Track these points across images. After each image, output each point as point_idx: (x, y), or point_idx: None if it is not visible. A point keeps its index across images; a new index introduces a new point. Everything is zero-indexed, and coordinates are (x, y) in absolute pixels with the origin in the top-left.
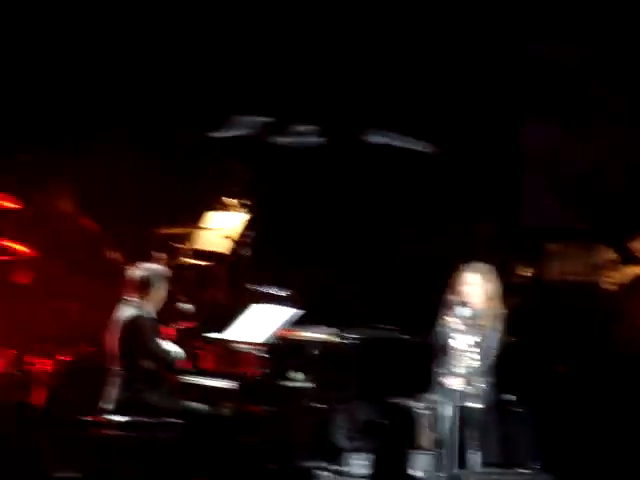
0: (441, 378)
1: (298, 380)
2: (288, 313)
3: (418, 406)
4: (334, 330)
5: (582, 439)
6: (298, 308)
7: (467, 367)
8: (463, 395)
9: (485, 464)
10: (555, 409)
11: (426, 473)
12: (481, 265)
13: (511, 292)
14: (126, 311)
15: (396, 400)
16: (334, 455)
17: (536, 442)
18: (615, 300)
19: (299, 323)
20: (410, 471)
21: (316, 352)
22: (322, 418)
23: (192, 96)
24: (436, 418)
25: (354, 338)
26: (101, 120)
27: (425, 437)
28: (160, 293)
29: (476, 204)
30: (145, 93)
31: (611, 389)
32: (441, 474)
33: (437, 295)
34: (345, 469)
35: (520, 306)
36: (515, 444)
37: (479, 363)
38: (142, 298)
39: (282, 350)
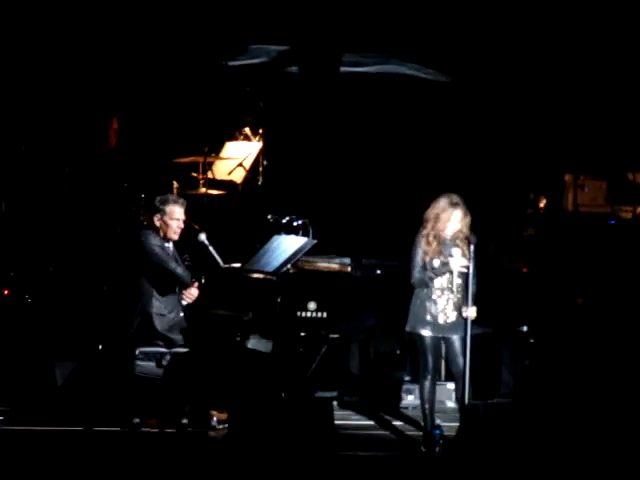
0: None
1: (312, 310)
2: (301, 242)
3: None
4: (347, 260)
5: (595, 371)
6: (311, 237)
7: (452, 299)
8: (449, 325)
9: (500, 395)
10: (571, 341)
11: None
12: (459, 199)
13: (527, 223)
14: (141, 236)
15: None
16: (349, 384)
17: (548, 373)
18: (630, 231)
19: (312, 253)
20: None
21: (330, 282)
22: (337, 348)
23: (207, 25)
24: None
25: (368, 268)
26: (118, 50)
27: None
28: (168, 224)
29: (490, 136)
30: (160, 24)
31: (627, 321)
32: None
33: None
34: (359, 398)
35: (536, 237)
36: (527, 375)
37: (459, 296)
38: (157, 225)
39: (296, 280)
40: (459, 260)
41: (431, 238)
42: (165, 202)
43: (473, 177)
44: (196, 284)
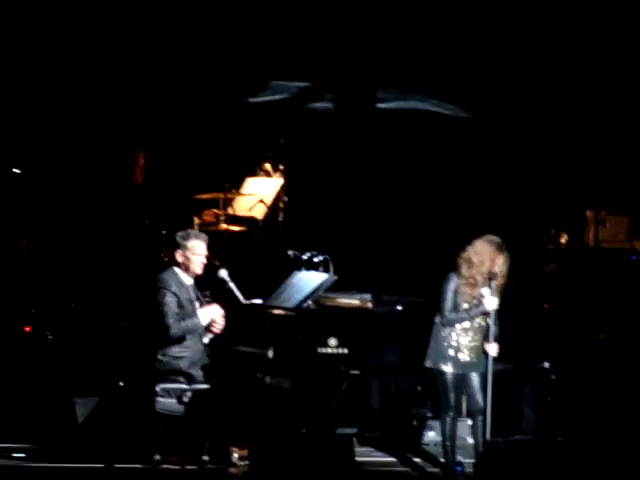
0: (446, 350)
1: (332, 346)
2: (322, 278)
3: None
4: (368, 296)
5: (619, 407)
6: (332, 274)
7: (478, 340)
8: (471, 364)
9: (522, 431)
10: (593, 377)
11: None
12: (502, 243)
13: (549, 258)
14: (163, 275)
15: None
16: (370, 421)
17: (572, 410)
18: None
19: (333, 289)
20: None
21: (350, 318)
22: (358, 384)
23: (229, 62)
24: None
25: (389, 304)
26: (142, 87)
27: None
28: (197, 259)
29: (511, 172)
30: (182, 61)
31: None
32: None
33: None
34: (380, 435)
35: (558, 272)
36: (550, 411)
37: (480, 333)
38: (179, 263)
39: (317, 316)
40: (491, 300)
41: (472, 281)
42: (187, 237)
43: (494, 213)
44: (222, 312)
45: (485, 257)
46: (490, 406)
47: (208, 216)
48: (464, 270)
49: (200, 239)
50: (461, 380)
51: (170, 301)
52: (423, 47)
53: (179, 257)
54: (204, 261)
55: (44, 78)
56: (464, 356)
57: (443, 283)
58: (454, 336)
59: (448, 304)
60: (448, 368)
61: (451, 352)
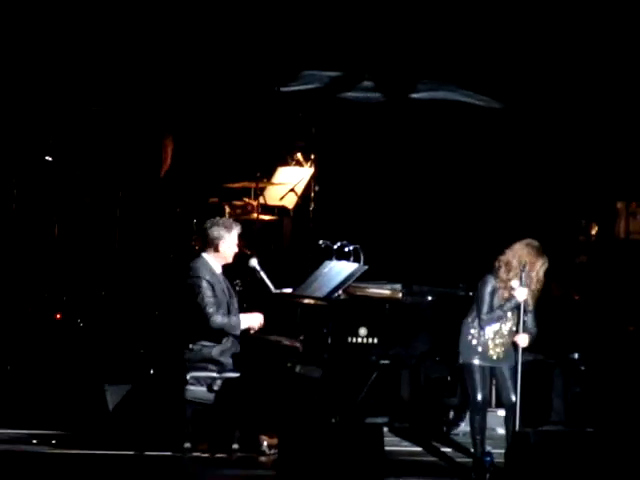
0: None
1: (362, 336)
2: (353, 268)
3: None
4: (398, 286)
5: None
6: (363, 264)
7: (509, 338)
8: (499, 360)
9: (551, 422)
10: (623, 369)
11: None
12: (541, 247)
13: (579, 250)
14: (195, 264)
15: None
16: (400, 411)
17: (602, 401)
18: None
19: (363, 278)
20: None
21: (381, 308)
22: (388, 374)
23: (262, 51)
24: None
25: (419, 294)
26: (174, 75)
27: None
28: (228, 247)
29: (542, 163)
30: (214, 50)
31: None
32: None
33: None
34: (410, 425)
35: (588, 264)
36: (579, 402)
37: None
38: (210, 252)
39: (347, 305)
40: (521, 290)
41: (510, 284)
42: (231, 228)
43: (525, 204)
44: (261, 321)
45: (524, 261)
46: (519, 397)
47: (239, 205)
48: (502, 273)
49: (234, 227)
50: (490, 373)
51: (207, 290)
52: (455, 37)
53: (221, 246)
54: (236, 250)
55: (76, 66)
56: (493, 353)
57: (480, 285)
58: (482, 329)
59: (485, 307)
60: (477, 361)
61: (479, 347)
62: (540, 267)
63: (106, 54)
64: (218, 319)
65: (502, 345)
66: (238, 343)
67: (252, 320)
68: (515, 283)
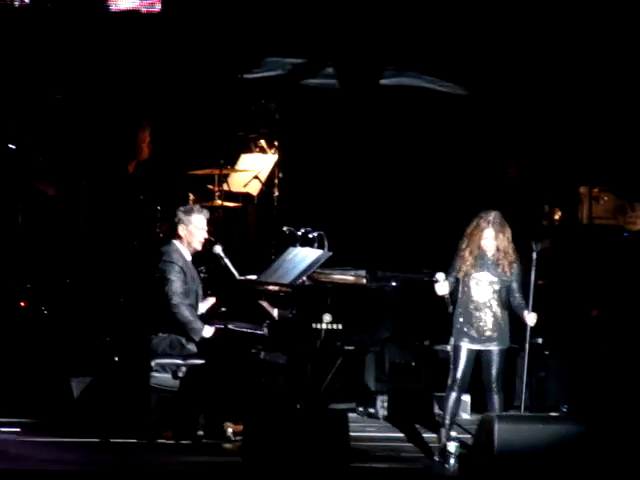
0: (462, 326)
1: (327, 322)
2: (317, 254)
3: (447, 349)
4: (362, 272)
5: (612, 382)
6: (327, 250)
7: (487, 313)
8: (482, 339)
9: (515, 407)
10: (586, 352)
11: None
12: (495, 217)
13: (543, 235)
14: (167, 248)
15: (425, 343)
16: (364, 396)
17: (565, 385)
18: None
19: (328, 265)
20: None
21: (345, 294)
22: (352, 360)
23: (224, 38)
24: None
25: (383, 280)
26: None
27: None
28: (189, 233)
29: (506, 148)
30: (176, 37)
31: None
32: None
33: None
34: (374, 410)
35: (552, 249)
36: (544, 387)
37: (499, 310)
38: (176, 238)
39: (311, 292)
40: (440, 287)
41: (467, 254)
42: (190, 212)
43: (488, 190)
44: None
45: (472, 230)
46: (525, 379)
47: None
48: (462, 242)
49: (202, 214)
50: (476, 357)
51: (177, 278)
52: (420, 23)
53: (181, 231)
54: (206, 235)
55: (45, 55)
56: (481, 332)
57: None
58: (470, 312)
59: (450, 271)
60: (465, 344)
61: (467, 328)
62: (493, 238)
63: (70, 43)
64: (185, 313)
65: (490, 322)
66: None
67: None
68: (440, 276)
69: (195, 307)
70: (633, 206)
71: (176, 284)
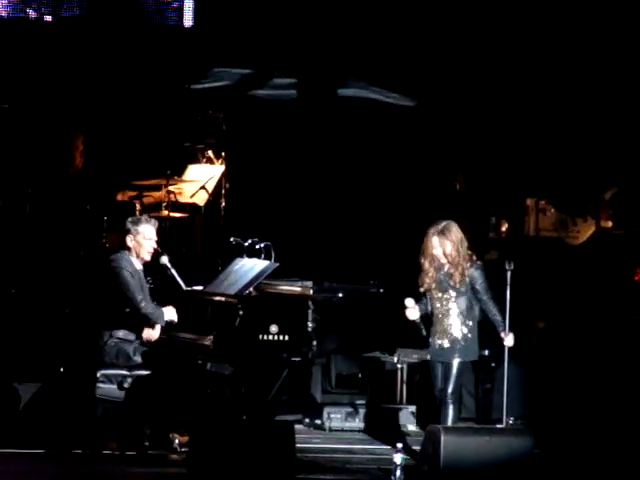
0: (430, 339)
1: (273, 333)
2: (264, 265)
3: (394, 361)
4: (309, 283)
5: (559, 394)
6: (274, 261)
7: (447, 325)
8: (442, 351)
9: (462, 419)
10: (533, 364)
11: (404, 427)
12: (442, 225)
13: (489, 247)
14: (112, 262)
15: (372, 354)
16: (310, 408)
17: (513, 397)
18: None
19: (274, 276)
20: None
21: (291, 305)
22: (298, 371)
23: (172, 49)
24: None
25: (330, 291)
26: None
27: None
28: (137, 243)
29: (453, 160)
30: (123, 46)
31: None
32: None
33: (412, 249)
34: (320, 422)
35: (498, 261)
36: (490, 399)
37: (458, 321)
38: (130, 246)
39: (258, 302)
40: (410, 312)
41: (426, 266)
42: (138, 222)
43: (435, 202)
44: (158, 327)
45: (424, 242)
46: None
47: (149, 199)
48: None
49: (150, 224)
50: (437, 367)
51: (131, 280)
52: (368, 35)
53: (130, 242)
54: (155, 246)
55: None
56: (438, 343)
57: None
58: (433, 325)
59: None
60: (432, 357)
61: (430, 340)
62: (438, 246)
63: (15, 52)
64: (149, 307)
65: (444, 334)
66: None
67: (172, 314)
68: (409, 302)
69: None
70: (575, 220)
71: (130, 284)
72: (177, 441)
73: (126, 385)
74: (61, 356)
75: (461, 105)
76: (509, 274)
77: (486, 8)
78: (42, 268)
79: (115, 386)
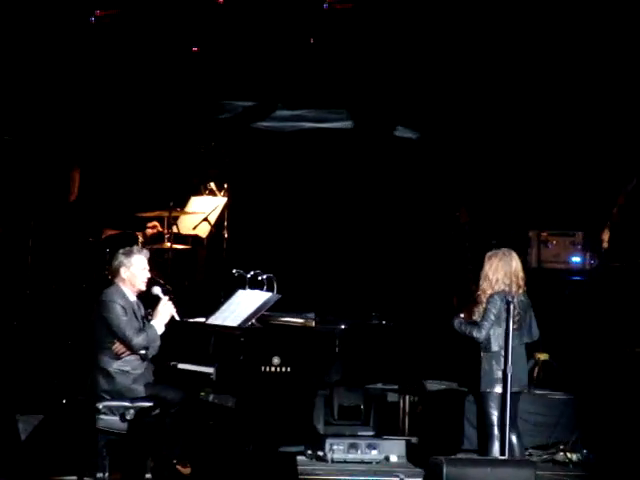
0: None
1: (276, 364)
2: (266, 297)
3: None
4: (311, 315)
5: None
6: (276, 292)
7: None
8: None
9: (463, 450)
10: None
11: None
12: (511, 252)
13: None
14: (108, 289)
15: (374, 386)
16: (313, 439)
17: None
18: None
19: (277, 308)
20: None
21: (294, 336)
22: (301, 403)
23: (177, 82)
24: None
25: (332, 323)
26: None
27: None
28: (131, 274)
29: (456, 192)
30: (126, 78)
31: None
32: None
33: (415, 281)
34: (323, 453)
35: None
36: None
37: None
38: (118, 280)
39: (260, 334)
40: None
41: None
42: (130, 254)
43: (437, 234)
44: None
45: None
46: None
47: (151, 229)
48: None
49: (142, 254)
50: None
51: (122, 314)
52: (372, 67)
53: (124, 274)
54: (148, 275)
55: None
56: None
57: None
58: None
59: None
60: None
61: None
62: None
63: (15, 84)
64: (139, 340)
65: None
66: (151, 371)
67: (164, 316)
68: None
69: None
70: None
71: (122, 320)
72: (180, 473)
73: (128, 417)
74: (63, 388)
75: (464, 138)
76: (511, 307)
77: (489, 43)
78: (44, 300)
79: (117, 418)
